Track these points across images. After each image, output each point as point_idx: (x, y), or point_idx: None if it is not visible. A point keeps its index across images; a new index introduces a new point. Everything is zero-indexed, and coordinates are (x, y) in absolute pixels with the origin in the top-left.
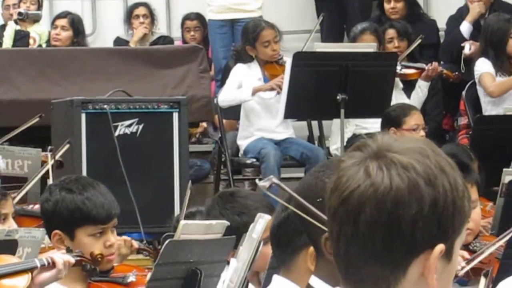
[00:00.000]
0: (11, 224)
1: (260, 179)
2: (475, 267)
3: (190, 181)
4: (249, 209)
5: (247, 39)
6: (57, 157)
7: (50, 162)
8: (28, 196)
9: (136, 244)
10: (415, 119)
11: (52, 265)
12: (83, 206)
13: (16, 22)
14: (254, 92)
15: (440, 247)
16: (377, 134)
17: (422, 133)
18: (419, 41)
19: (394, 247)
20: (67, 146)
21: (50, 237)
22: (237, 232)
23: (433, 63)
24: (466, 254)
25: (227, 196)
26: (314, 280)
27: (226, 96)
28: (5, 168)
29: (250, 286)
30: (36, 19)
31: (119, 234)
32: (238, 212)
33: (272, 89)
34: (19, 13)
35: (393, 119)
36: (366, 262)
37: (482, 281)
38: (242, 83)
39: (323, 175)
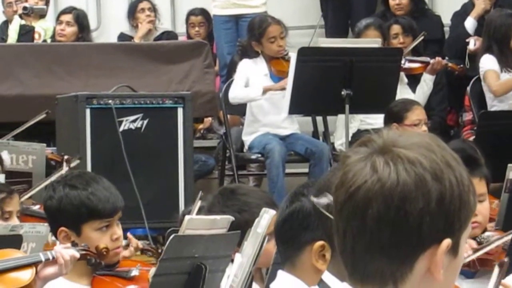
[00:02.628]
0: (15, 222)
1: (264, 175)
2: (482, 258)
3: None
4: (249, 206)
5: (253, 34)
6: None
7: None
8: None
9: (140, 244)
10: (416, 114)
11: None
12: (88, 202)
13: (21, 16)
14: (265, 91)
15: (447, 241)
16: (382, 129)
17: (424, 128)
18: (422, 37)
19: (401, 243)
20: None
21: (55, 235)
22: (237, 229)
23: (437, 58)
24: (474, 243)
25: (228, 193)
26: (326, 276)
27: (236, 94)
28: (10, 163)
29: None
30: (41, 14)
31: (124, 230)
32: (239, 209)
33: (283, 89)
34: (24, 8)
35: (395, 114)
36: (372, 257)
37: (496, 270)
38: (249, 79)
39: None
